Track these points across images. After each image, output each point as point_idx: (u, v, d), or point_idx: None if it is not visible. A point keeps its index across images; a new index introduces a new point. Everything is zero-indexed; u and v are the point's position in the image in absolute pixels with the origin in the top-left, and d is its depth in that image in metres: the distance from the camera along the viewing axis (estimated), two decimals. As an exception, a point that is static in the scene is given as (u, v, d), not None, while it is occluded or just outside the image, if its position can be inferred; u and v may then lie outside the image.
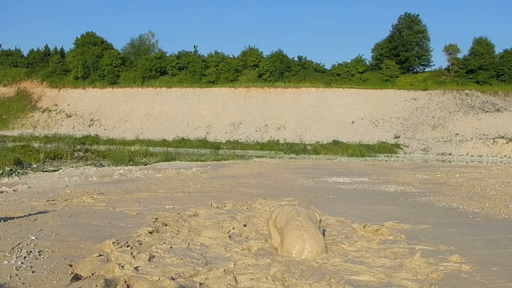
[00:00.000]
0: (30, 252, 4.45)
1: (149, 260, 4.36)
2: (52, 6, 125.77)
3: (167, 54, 55.51)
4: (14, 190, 9.38)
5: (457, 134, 40.58)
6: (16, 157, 15.51)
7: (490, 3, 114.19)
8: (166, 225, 6.12)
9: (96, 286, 3.59)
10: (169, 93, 50.43)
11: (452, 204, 8.85)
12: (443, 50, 49.11)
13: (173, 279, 3.83)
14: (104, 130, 47.34)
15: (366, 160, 29.71)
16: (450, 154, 37.08)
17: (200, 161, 22.71)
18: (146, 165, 18.87)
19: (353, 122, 44.53)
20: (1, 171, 12.98)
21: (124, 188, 10.25)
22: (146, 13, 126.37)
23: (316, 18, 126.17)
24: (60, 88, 53.62)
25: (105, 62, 53.02)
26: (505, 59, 46.49)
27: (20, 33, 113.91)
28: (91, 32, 55.81)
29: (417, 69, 52.63)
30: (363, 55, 51.97)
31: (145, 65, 52.64)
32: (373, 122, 44.23)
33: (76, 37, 55.70)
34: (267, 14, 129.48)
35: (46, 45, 60.74)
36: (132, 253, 4.50)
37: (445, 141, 39.71)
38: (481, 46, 46.70)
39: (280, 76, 50.91)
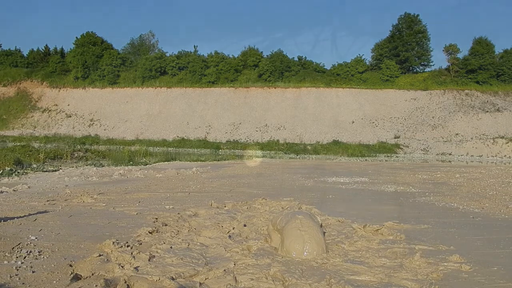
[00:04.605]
0: (30, 252, 4.45)
1: (149, 260, 4.36)
2: (52, 6, 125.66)
3: (167, 54, 55.51)
4: (14, 190, 9.38)
5: (457, 134, 40.55)
6: (16, 157, 15.51)
7: (490, 3, 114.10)
8: (166, 225, 6.13)
9: (96, 286, 3.59)
10: (169, 93, 50.40)
11: (452, 204, 8.85)
12: (443, 50, 49.11)
13: (173, 279, 3.83)
14: (104, 130, 47.31)
15: (366, 160, 29.71)
16: (450, 154, 37.06)
17: (200, 161, 22.70)
18: (146, 165, 18.87)
19: (353, 122, 44.51)
20: (1, 171, 12.98)
21: (124, 188, 10.26)
22: (146, 13, 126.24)
23: (316, 18, 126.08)
24: (60, 88, 53.58)
25: (105, 62, 52.97)
26: (505, 59, 46.44)
27: (20, 33, 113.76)
28: (91, 32, 55.77)
29: (417, 69, 52.59)
30: (363, 55, 52.02)
31: (145, 65, 52.60)
32: (373, 122, 44.21)
33: (76, 37, 55.66)
34: (267, 14, 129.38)
35: (46, 45, 60.72)
36: (132, 253, 4.50)
37: (445, 141, 39.69)
38: (481, 46, 46.66)
39: (280, 76, 50.88)
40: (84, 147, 28.15)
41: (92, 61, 53.13)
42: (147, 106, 49.45)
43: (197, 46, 56.64)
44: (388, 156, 34.73)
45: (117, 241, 4.91)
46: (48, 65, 56.43)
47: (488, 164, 27.58)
